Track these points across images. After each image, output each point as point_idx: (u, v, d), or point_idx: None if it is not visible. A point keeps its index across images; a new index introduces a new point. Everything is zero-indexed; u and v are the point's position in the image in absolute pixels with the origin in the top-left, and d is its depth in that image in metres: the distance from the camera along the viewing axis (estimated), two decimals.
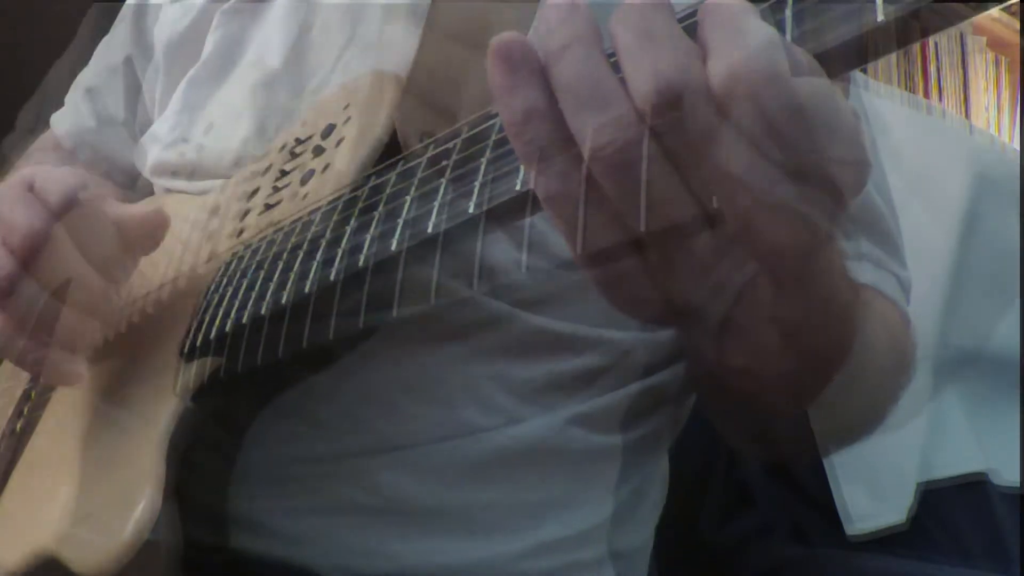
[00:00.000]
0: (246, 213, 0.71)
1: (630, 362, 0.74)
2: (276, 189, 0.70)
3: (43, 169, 0.70)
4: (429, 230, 0.51)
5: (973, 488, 1.01)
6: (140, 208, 0.70)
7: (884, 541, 0.98)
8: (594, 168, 0.44)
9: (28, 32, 1.56)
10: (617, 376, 0.74)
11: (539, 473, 0.72)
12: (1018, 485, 1.01)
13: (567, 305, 0.71)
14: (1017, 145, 2.23)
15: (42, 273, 0.66)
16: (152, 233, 0.70)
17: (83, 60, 1.35)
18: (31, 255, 0.65)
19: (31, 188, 0.68)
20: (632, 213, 0.44)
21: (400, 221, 0.53)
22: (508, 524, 0.71)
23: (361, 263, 0.54)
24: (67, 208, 0.67)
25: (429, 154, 0.56)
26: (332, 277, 0.56)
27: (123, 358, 0.73)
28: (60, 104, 1.00)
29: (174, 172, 0.83)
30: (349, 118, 0.67)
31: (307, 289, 0.57)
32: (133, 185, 0.92)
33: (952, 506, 1.00)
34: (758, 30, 0.42)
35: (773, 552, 0.99)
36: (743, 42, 0.42)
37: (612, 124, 0.43)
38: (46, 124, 1.26)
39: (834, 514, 0.99)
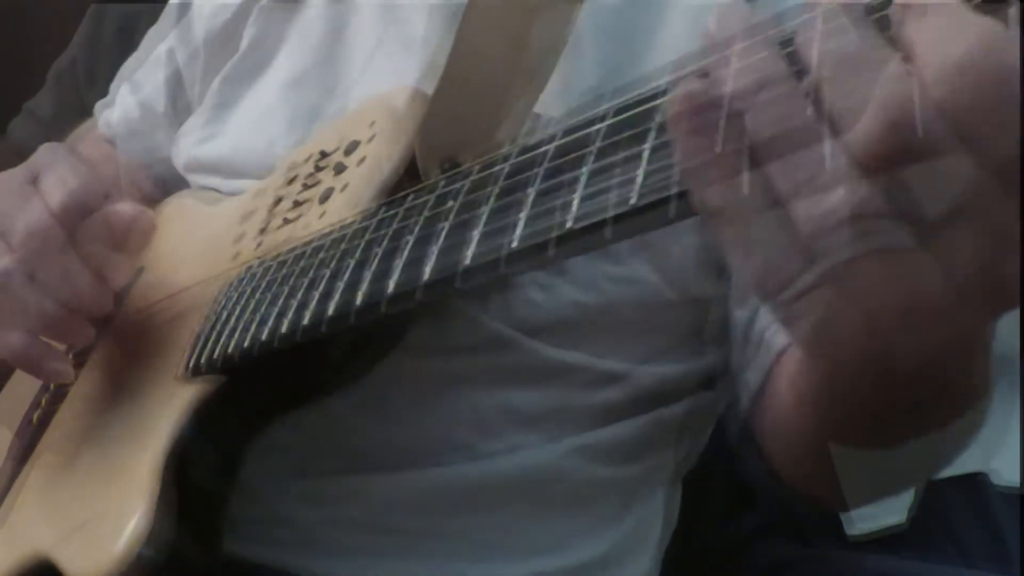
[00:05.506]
0: (265, 226, 0.71)
1: (638, 394, 0.73)
2: (296, 204, 0.70)
3: (48, 157, 0.72)
4: (425, 278, 0.51)
5: (973, 488, 1.00)
6: (126, 207, 0.70)
7: (884, 541, 0.98)
8: (814, 240, 0.37)
9: (31, 31, 1.56)
10: (624, 407, 0.73)
11: (538, 501, 0.71)
12: (1018, 485, 1.01)
13: (575, 334, 0.70)
14: None
15: (38, 271, 0.67)
16: (140, 234, 0.70)
17: (82, 59, 1.35)
18: (28, 254, 0.67)
19: (34, 182, 0.70)
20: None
21: (399, 263, 0.54)
22: (504, 551, 0.71)
23: (359, 302, 0.55)
24: (68, 214, 0.68)
25: (438, 192, 0.56)
26: (330, 312, 0.57)
27: (131, 366, 0.74)
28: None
29: (207, 169, 0.83)
30: (373, 136, 0.67)
31: (305, 322, 0.58)
32: (172, 178, 0.91)
33: (952, 506, 0.99)
34: (976, 22, 0.34)
35: (773, 552, 0.99)
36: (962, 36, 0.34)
37: (833, 186, 0.36)
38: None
39: (834, 514, 0.99)
